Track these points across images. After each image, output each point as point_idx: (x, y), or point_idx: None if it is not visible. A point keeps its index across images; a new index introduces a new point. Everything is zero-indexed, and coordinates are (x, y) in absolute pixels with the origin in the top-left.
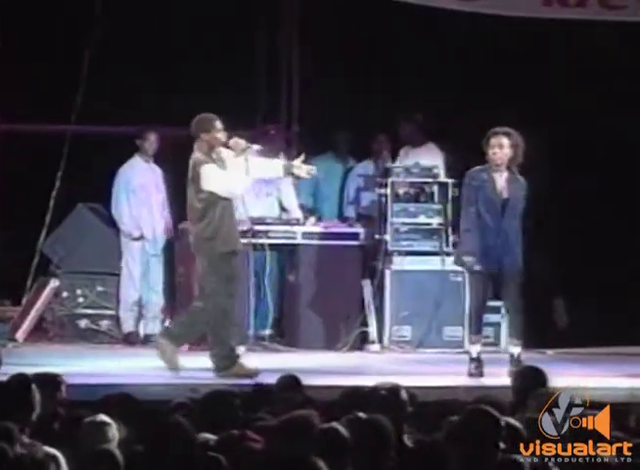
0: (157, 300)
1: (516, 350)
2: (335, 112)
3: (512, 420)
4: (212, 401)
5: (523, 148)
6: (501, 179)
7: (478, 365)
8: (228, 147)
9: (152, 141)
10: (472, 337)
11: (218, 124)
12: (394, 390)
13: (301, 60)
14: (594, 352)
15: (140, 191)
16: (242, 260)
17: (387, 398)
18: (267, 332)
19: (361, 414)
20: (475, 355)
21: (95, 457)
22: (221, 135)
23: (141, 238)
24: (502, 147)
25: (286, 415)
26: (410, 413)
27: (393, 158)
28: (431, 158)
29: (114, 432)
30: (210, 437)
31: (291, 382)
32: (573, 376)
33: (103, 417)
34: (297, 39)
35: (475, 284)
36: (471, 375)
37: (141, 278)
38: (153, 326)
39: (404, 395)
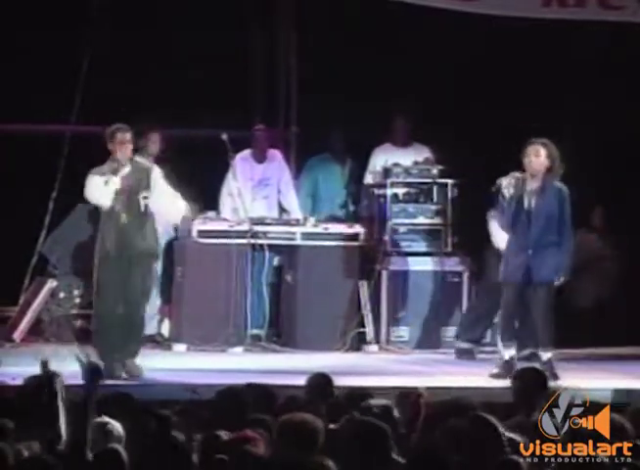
0: (153, 300)
1: (546, 355)
2: (333, 113)
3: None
4: (225, 399)
5: (559, 160)
6: (531, 190)
7: (505, 368)
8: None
9: (154, 141)
10: (503, 343)
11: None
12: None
13: (300, 61)
14: (589, 353)
15: None
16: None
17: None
18: (264, 332)
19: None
20: (507, 358)
21: (101, 457)
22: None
23: None
24: (538, 155)
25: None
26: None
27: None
28: (419, 159)
29: (120, 432)
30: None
31: (321, 380)
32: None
33: (107, 418)
34: (296, 40)
35: (504, 293)
36: (491, 376)
37: None
38: (150, 326)
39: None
